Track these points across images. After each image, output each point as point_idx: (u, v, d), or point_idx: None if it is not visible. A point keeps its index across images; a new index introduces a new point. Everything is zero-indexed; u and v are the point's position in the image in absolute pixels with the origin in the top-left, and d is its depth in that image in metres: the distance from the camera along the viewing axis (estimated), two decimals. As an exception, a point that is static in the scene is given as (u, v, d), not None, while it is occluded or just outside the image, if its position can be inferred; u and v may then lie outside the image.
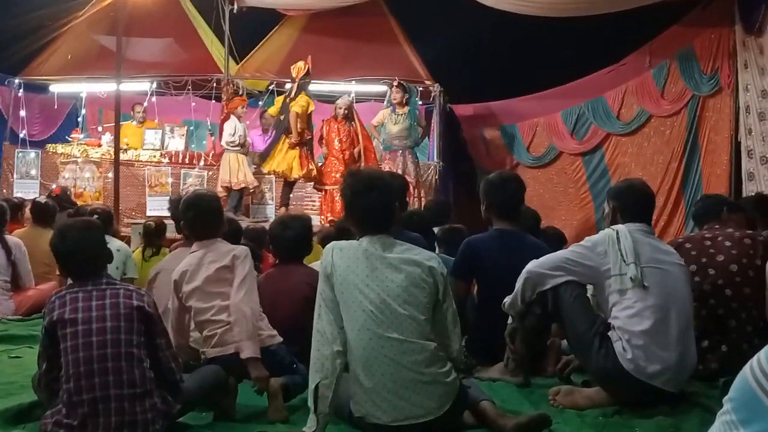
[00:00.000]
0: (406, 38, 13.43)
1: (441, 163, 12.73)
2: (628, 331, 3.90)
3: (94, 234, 3.67)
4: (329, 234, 6.57)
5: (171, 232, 7.86)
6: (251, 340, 4.07)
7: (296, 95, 11.42)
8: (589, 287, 4.24)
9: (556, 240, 6.67)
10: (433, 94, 12.70)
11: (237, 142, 11.60)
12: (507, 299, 4.29)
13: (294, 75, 11.57)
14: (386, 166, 11.34)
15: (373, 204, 3.59)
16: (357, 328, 3.42)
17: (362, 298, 3.41)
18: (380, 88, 13.02)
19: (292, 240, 5.00)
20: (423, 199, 11.58)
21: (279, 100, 11.86)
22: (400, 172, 10.88)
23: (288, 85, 12.22)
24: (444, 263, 3.69)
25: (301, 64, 11.56)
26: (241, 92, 12.98)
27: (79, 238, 3.60)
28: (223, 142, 11.87)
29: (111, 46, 11.95)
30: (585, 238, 4.24)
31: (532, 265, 4.22)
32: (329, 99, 13.91)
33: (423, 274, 3.50)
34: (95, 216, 6.80)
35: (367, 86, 13.00)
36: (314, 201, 12.47)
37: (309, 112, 11.48)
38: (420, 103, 12.24)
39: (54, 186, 12.07)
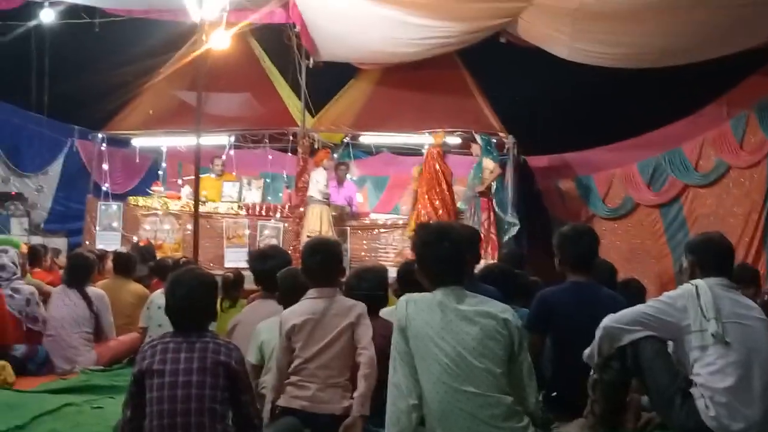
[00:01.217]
0: (480, 90, 13.48)
1: (516, 215, 12.70)
2: (710, 388, 3.84)
3: (206, 288, 3.76)
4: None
5: (248, 284, 7.99)
6: (369, 398, 4.17)
7: None
8: (669, 343, 4.19)
9: (637, 293, 6.59)
10: (506, 146, 12.71)
11: (328, 194, 11.91)
12: (586, 351, 4.27)
13: None
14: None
15: (443, 255, 3.63)
16: (432, 381, 3.43)
17: (437, 350, 3.43)
18: (454, 140, 13.10)
19: (367, 292, 5.02)
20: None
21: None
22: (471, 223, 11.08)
23: (363, 138, 12.53)
24: (519, 316, 3.70)
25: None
26: (317, 145, 13.19)
27: (191, 290, 3.69)
28: (313, 192, 12.10)
29: (191, 101, 12.30)
30: (663, 293, 4.20)
31: (609, 320, 4.19)
32: (405, 151, 14.09)
33: (498, 326, 3.51)
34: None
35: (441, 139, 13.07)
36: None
37: None
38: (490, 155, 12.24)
39: (136, 238, 12.38)
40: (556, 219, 13.61)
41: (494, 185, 12.02)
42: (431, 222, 4.12)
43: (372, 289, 5.06)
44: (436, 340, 3.45)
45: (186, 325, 3.65)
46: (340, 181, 13.64)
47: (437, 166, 12.10)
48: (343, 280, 5.17)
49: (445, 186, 12.01)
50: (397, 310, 3.62)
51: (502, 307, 3.63)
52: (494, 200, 11.99)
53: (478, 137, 12.34)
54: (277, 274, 5.27)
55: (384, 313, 5.22)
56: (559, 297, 4.87)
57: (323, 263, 4.51)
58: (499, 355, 3.47)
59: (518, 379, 3.55)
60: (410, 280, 5.53)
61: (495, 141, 12.56)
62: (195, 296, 3.65)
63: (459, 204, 12.36)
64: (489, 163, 12.07)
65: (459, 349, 3.43)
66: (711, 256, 4.25)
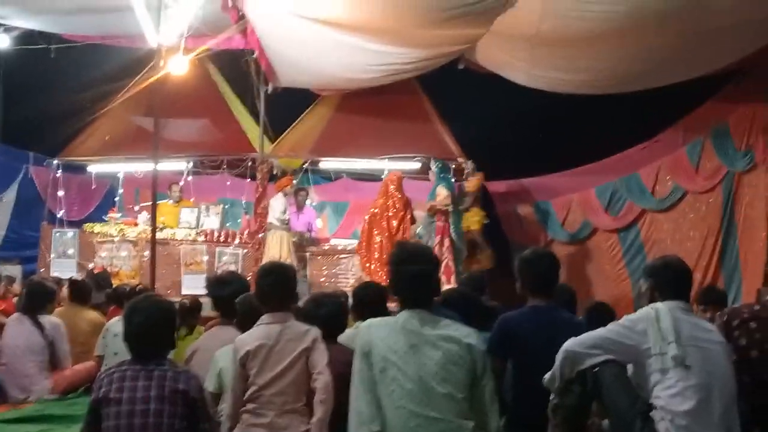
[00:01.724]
0: (439, 115, 13.58)
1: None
2: (671, 411, 3.85)
3: (165, 315, 3.72)
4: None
5: (206, 311, 7.92)
6: (326, 423, 4.16)
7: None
8: (629, 366, 4.21)
9: (608, 316, 6.60)
10: (466, 171, 12.77)
11: (287, 220, 11.89)
12: (547, 375, 4.27)
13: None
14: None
15: (419, 274, 3.62)
16: (395, 407, 3.42)
17: (400, 375, 3.42)
18: (413, 165, 13.14)
19: (325, 318, 4.98)
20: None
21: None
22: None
23: (323, 164, 12.54)
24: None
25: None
26: (275, 171, 13.15)
27: (148, 317, 3.64)
28: (272, 219, 12.08)
29: (148, 126, 12.16)
30: (623, 316, 4.22)
31: (570, 344, 4.19)
32: (364, 177, 14.09)
33: (461, 351, 3.51)
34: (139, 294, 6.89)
35: (401, 164, 13.10)
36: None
37: None
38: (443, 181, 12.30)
39: (91, 265, 12.22)
40: (515, 244, 13.68)
41: (450, 212, 12.02)
42: (407, 244, 4.11)
43: (330, 315, 5.03)
44: (399, 364, 3.44)
45: (144, 352, 3.61)
46: (300, 207, 13.62)
47: (395, 193, 12.10)
48: (300, 305, 5.13)
49: (398, 212, 11.99)
50: (359, 335, 3.61)
51: (467, 331, 3.63)
52: (451, 227, 11.97)
53: (432, 163, 12.40)
54: (235, 300, 5.24)
55: (342, 338, 5.20)
56: (519, 321, 4.86)
57: (275, 285, 4.49)
58: (462, 380, 3.47)
59: (481, 403, 3.54)
60: (367, 302, 5.54)
61: (453, 166, 12.62)
62: (153, 323, 3.62)
63: (418, 229, 12.39)
64: (441, 191, 12.13)
65: (421, 374, 3.42)
66: (669, 280, 4.28)
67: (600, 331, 4.24)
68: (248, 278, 6.58)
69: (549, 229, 14.00)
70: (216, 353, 5.00)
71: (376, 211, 12.01)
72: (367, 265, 11.87)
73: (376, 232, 11.91)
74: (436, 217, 12.05)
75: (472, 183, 12.61)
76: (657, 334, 3.98)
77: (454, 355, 3.49)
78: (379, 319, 3.72)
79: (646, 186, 12.54)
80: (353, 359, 3.60)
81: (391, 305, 4.85)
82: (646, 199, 12.53)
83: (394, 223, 11.86)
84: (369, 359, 3.50)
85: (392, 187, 12.06)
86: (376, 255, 11.75)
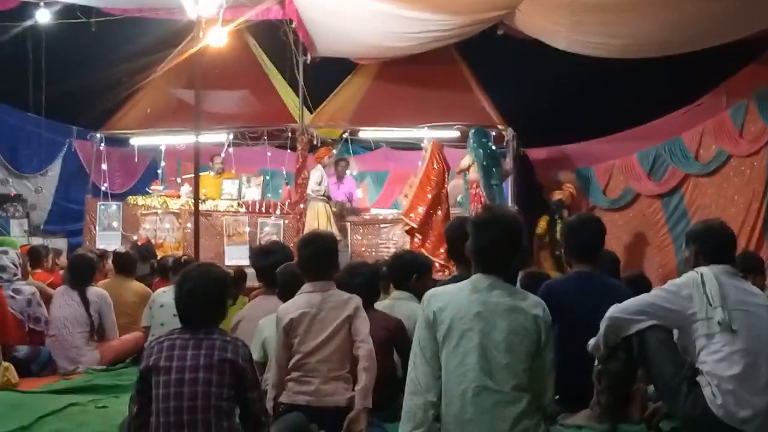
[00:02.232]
0: (478, 83, 13.50)
1: (516, 207, 12.68)
2: (717, 376, 3.83)
3: (216, 284, 3.75)
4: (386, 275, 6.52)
5: (251, 281, 7.99)
6: (370, 390, 4.18)
7: None
8: (675, 331, 4.18)
9: (643, 288, 6.57)
10: (506, 139, 12.70)
11: (323, 192, 11.95)
12: (591, 342, 4.26)
13: None
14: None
15: (496, 239, 3.61)
16: (455, 375, 3.43)
17: (464, 343, 3.43)
18: (453, 133, 13.09)
19: (360, 286, 4.98)
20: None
21: None
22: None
23: (362, 133, 12.56)
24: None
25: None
26: (315, 141, 13.18)
27: (199, 285, 3.68)
28: (309, 191, 12.13)
29: (189, 99, 12.28)
30: (668, 281, 4.19)
31: (614, 310, 4.18)
32: (404, 146, 14.06)
33: (526, 322, 3.51)
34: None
35: (440, 132, 13.06)
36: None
37: None
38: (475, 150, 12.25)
39: (135, 237, 12.36)
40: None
41: (480, 178, 11.95)
42: (494, 205, 4.07)
43: (365, 284, 5.06)
44: (464, 331, 3.45)
45: (194, 321, 3.65)
46: (340, 177, 13.64)
47: (435, 162, 12.08)
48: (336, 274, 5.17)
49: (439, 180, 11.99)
50: (424, 305, 3.61)
51: (534, 301, 3.62)
52: (484, 193, 11.90)
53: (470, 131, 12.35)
54: (277, 270, 5.28)
55: (380, 306, 5.23)
56: (564, 287, 4.86)
57: (315, 256, 4.52)
58: (524, 351, 3.47)
59: (539, 374, 3.55)
60: (403, 272, 5.56)
61: (493, 133, 12.56)
62: (204, 292, 3.65)
63: (459, 197, 12.39)
64: (465, 158, 12.13)
65: (485, 343, 3.43)
66: (713, 244, 4.24)
67: (645, 297, 4.22)
68: (291, 248, 6.62)
69: (590, 196, 13.90)
70: (260, 322, 5.05)
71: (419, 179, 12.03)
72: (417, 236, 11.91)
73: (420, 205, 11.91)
74: (469, 184, 12.05)
75: (561, 193, 12.79)
76: (702, 298, 3.96)
77: (520, 326, 3.48)
78: (443, 286, 3.74)
79: (690, 150, 12.34)
80: (417, 326, 3.61)
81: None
82: (689, 164, 12.35)
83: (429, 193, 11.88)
84: (433, 328, 3.51)
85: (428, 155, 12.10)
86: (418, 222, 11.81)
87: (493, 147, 12.38)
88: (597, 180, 13.83)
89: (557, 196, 13.02)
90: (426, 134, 12.89)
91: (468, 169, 12.11)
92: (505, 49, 12.26)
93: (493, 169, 12.07)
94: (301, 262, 4.60)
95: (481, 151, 12.06)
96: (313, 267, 4.52)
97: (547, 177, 14.23)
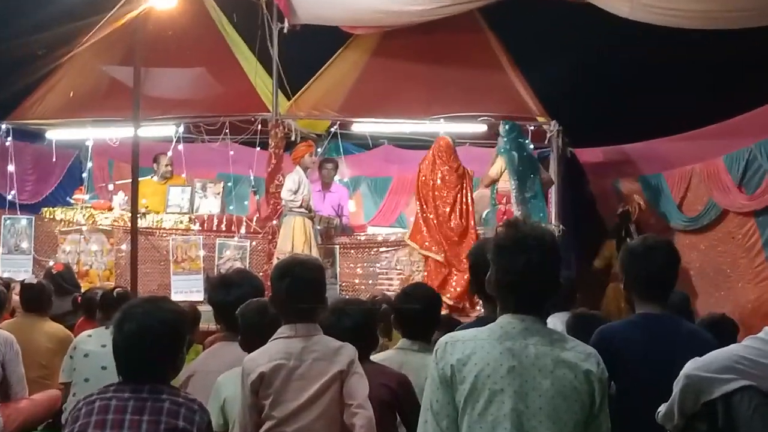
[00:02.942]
0: (511, 61, 13.49)
1: (561, 226, 12.68)
2: (830, 456, 3.82)
3: (169, 325, 3.74)
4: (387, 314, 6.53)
5: (205, 322, 7.98)
6: None
7: None
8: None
9: (728, 335, 6.57)
10: (549, 135, 12.71)
11: (300, 203, 11.93)
12: (661, 409, 4.25)
13: None
14: None
15: (527, 268, 3.59)
16: None
17: (493, 409, 3.41)
18: (478, 128, 13.10)
19: (347, 331, 4.96)
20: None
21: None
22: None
23: (356, 127, 12.56)
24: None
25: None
26: (293, 137, 13.17)
27: (146, 327, 3.66)
28: (282, 201, 12.12)
29: (125, 79, 12.25)
30: (764, 328, 4.19)
31: (693, 366, 4.16)
32: (411, 143, 14.05)
33: (576, 381, 3.48)
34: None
35: (460, 126, 13.07)
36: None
37: None
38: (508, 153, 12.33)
39: (52, 262, 12.32)
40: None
41: (513, 189, 12.01)
42: (522, 220, 3.96)
43: (358, 327, 5.04)
44: (492, 393, 3.42)
45: (136, 374, 3.63)
46: (326, 184, 13.65)
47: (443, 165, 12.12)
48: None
49: (457, 189, 12.04)
50: (437, 355, 3.59)
51: (586, 352, 3.59)
52: (516, 210, 11.95)
53: (501, 127, 12.38)
54: (239, 308, 5.28)
55: (383, 357, 5.22)
56: (625, 335, 4.84)
57: (297, 289, 4.51)
58: (573, 420, 3.45)
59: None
60: (407, 315, 5.55)
61: (532, 128, 12.57)
62: (152, 335, 3.63)
63: (485, 213, 12.40)
64: (497, 161, 12.22)
65: (521, 408, 3.41)
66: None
67: (733, 349, 4.20)
68: (260, 277, 6.62)
69: (661, 212, 13.92)
70: (219, 378, 5.04)
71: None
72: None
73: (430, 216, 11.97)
74: (497, 198, 12.09)
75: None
76: (812, 351, 3.95)
77: (568, 386, 3.45)
78: (462, 331, 3.71)
79: (796, 153, 12.38)
80: (426, 384, 3.59)
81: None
82: (795, 171, 12.38)
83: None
84: (450, 387, 3.48)
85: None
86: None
87: (531, 147, 12.39)
88: (669, 190, 13.84)
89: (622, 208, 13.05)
90: (441, 128, 12.88)
91: (499, 178, 12.14)
92: (547, 16, 12.30)
93: (531, 177, 12.09)
94: (276, 297, 4.59)
95: (515, 154, 12.07)
96: (292, 304, 4.51)
97: (602, 186, 14.25)
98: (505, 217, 11.86)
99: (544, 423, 3.41)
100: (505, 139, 12.21)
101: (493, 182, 12.28)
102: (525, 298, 3.61)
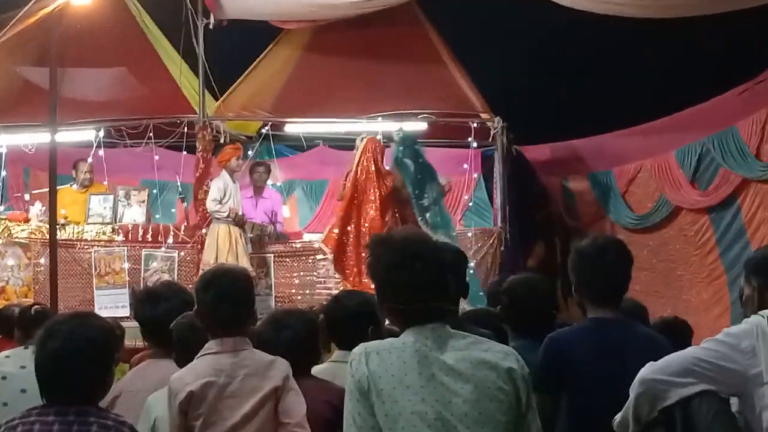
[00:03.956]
0: (452, 55, 13.54)
1: (507, 227, 12.76)
2: (796, 462, 3.86)
3: (98, 342, 3.69)
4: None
5: (131, 339, 7.91)
6: None
7: None
8: (733, 400, 4.20)
9: (682, 337, 6.62)
10: (493, 132, 12.77)
11: (225, 211, 11.83)
12: (617, 417, 4.27)
13: None
14: None
15: (417, 280, 3.60)
16: None
17: (417, 420, 3.41)
18: (418, 126, 13.13)
19: (288, 344, 4.93)
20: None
21: None
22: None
23: (289, 127, 12.53)
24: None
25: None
26: (222, 139, 13.13)
27: (71, 342, 3.62)
28: (208, 208, 12.05)
29: (40, 81, 12.16)
30: (722, 330, 4.22)
31: (649, 370, 4.18)
32: (347, 144, 14.05)
33: (499, 380, 3.49)
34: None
35: (400, 124, 13.08)
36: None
37: None
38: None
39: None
40: (564, 231, 13.71)
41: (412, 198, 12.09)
42: (393, 233, 3.94)
43: (297, 340, 5.00)
44: (414, 404, 3.42)
45: (61, 396, 3.59)
46: (258, 190, 13.60)
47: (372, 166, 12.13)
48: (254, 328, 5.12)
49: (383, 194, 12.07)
50: (352, 366, 3.58)
51: (503, 350, 3.61)
52: (422, 215, 12.03)
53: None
54: (172, 323, 5.23)
55: (318, 371, 5.19)
56: (576, 341, 4.87)
57: (223, 300, 4.49)
58: (502, 422, 3.46)
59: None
60: (340, 324, 5.51)
61: (475, 125, 12.61)
62: (78, 353, 3.60)
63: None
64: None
65: (446, 416, 3.41)
66: (786, 278, 4.27)
67: (690, 352, 4.22)
68: (189, 290, 6.58)
69: (610, 210, 14.04)
70: (149, 398, 4.99)
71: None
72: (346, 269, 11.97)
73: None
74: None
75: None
76: (772, 353, 3.98)
77: (491, 386, 3.47)
78: (378, 342, 3.69)
79: (748, 145, 12.48)
80: (345, 399, 3.58)
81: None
82: (747, 165, 12.45)
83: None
84: (368, 399, 3.48)
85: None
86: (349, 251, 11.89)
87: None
88: (618, 188, 13.94)
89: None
90: (379, 127, 12.90)
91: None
92: (489, 6, 12.35)
93: (428, 184, 12.12)
94: (201, 310, 4.57)
95: (409, 161, 12.09)
96: (218, 317, 4.49)
97: (551, 184, 14.33)
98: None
99: (472, 429, 3.41)
100: (400, 148, 12.23)
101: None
102: (427, 306, 3.61)
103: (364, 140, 12.38)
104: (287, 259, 12.80)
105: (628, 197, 13.87)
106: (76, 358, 3.59)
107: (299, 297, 12.34)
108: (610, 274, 4.95)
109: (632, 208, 13.81)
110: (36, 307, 8.46)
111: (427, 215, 12.04)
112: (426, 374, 3.47)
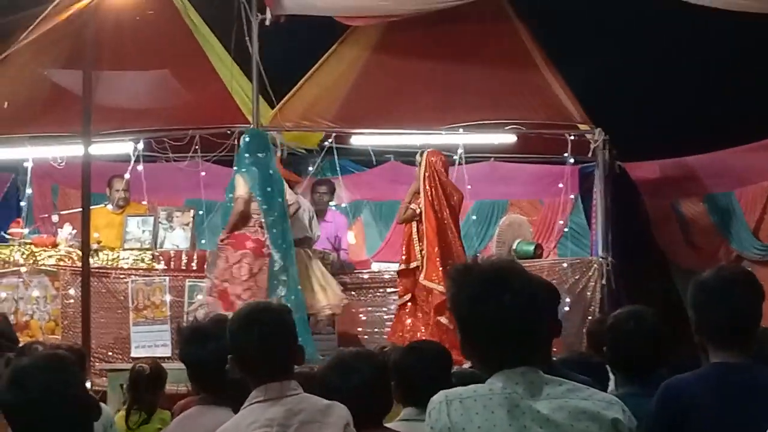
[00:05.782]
0: (546, 57, 13.53)
1: (609, 258, 12.68)
2: None
3: (70, 379, 3.70)
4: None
5: (173, 383, 7.95)
6: None
7: None
8: None
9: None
10: (593, 146, 12.73)
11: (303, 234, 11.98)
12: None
13: None
14: None
15: (505, 315, 3.58)
16: None
17: None
18: (505, 138, 13.12)
19: (357, 390, 4.90)
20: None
21: None
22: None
23: (355, 139, 12.58)
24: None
25: None
26: (280, 152, 13.19)
27: (46, 386, 3.63)
28: None
29: (72, 85, 12.28)
30: None
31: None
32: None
33: None
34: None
35: (484, 136, 13.09)
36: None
37: None
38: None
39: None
40: (677, 264, 13.60)
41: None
42: (481, 260, 3.91)
43: (369, 385, 4.98)
44: None
45: None
46: (320, 212, 13.63)
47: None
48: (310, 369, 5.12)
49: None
50: (431, 416, 3.57)
51: (606, 399, 3.59)
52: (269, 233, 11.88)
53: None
54: (227, 366, 5.24)
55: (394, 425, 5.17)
56: (696, 389, 4.82)
57: (269, 340, 4.49)
58: None
59: None
60: (412, 374, 5.48)
61: (572, 137, 12.59)
62: (49, 394, 3.61)
63: (515, 244, 12.44)
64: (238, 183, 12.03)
65: None
66: None
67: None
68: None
69: (732, 239, 13.93)
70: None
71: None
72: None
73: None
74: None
75: None
76: None
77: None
78: (461, 388, 3.68)
79: None
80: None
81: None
82: None
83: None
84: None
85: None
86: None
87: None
88: (743, 212, 13.83)
89: None
90: (460, 139, 12.89)
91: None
92: (591, 1, 12.33)
93: (278, 199, 11.75)
94: (240, 355, 4.55)
95: (256, 170, 11.75)
96: (261, 360, 4.49)
97: (659, 207, 14.27)
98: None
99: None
100: (246, 154, 11.93)
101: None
102: (517, 350, 3.59)
103: (425, 154, 12.34)
104: (353, 293, 12.80)
105: (754, 223, 13.74)
106: (46, 408, 3.60)
107: (365, 336, 12.33)
108: (738, 311, 4.89)
109: (758, 237, 13.68)
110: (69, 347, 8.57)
111: (274, 232, 11.77)
112: (517, 426, 3.45)
